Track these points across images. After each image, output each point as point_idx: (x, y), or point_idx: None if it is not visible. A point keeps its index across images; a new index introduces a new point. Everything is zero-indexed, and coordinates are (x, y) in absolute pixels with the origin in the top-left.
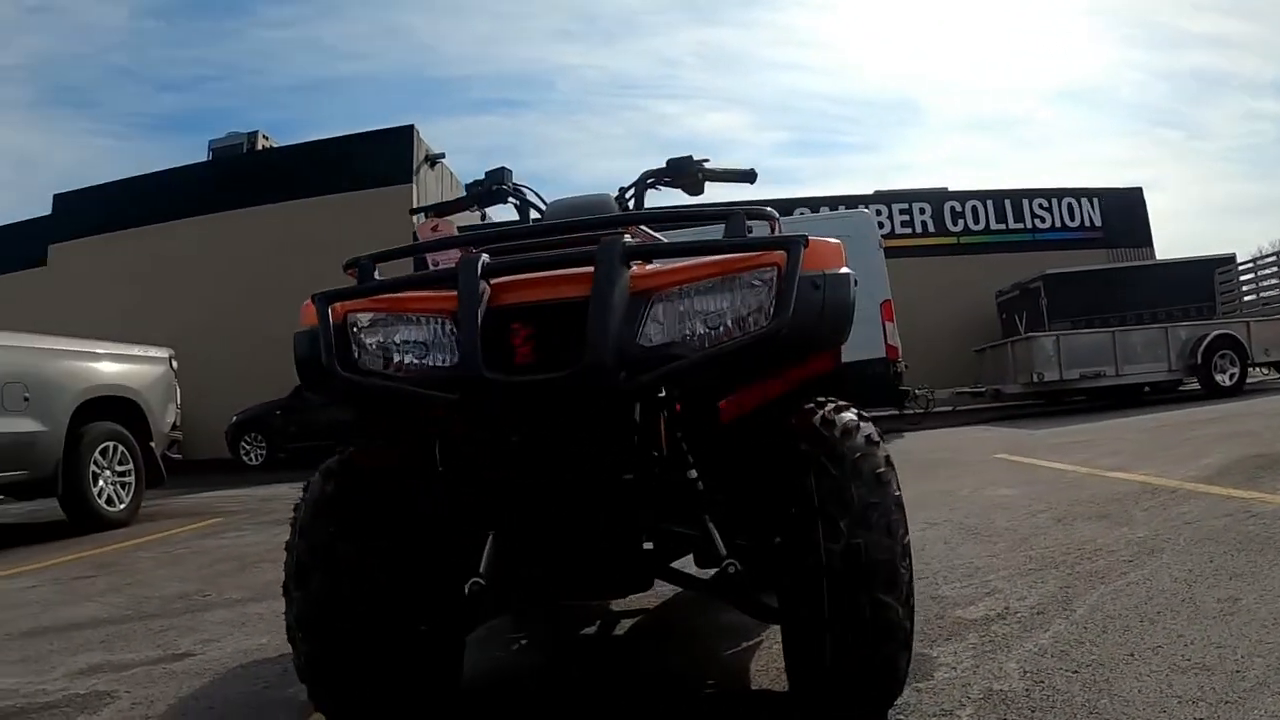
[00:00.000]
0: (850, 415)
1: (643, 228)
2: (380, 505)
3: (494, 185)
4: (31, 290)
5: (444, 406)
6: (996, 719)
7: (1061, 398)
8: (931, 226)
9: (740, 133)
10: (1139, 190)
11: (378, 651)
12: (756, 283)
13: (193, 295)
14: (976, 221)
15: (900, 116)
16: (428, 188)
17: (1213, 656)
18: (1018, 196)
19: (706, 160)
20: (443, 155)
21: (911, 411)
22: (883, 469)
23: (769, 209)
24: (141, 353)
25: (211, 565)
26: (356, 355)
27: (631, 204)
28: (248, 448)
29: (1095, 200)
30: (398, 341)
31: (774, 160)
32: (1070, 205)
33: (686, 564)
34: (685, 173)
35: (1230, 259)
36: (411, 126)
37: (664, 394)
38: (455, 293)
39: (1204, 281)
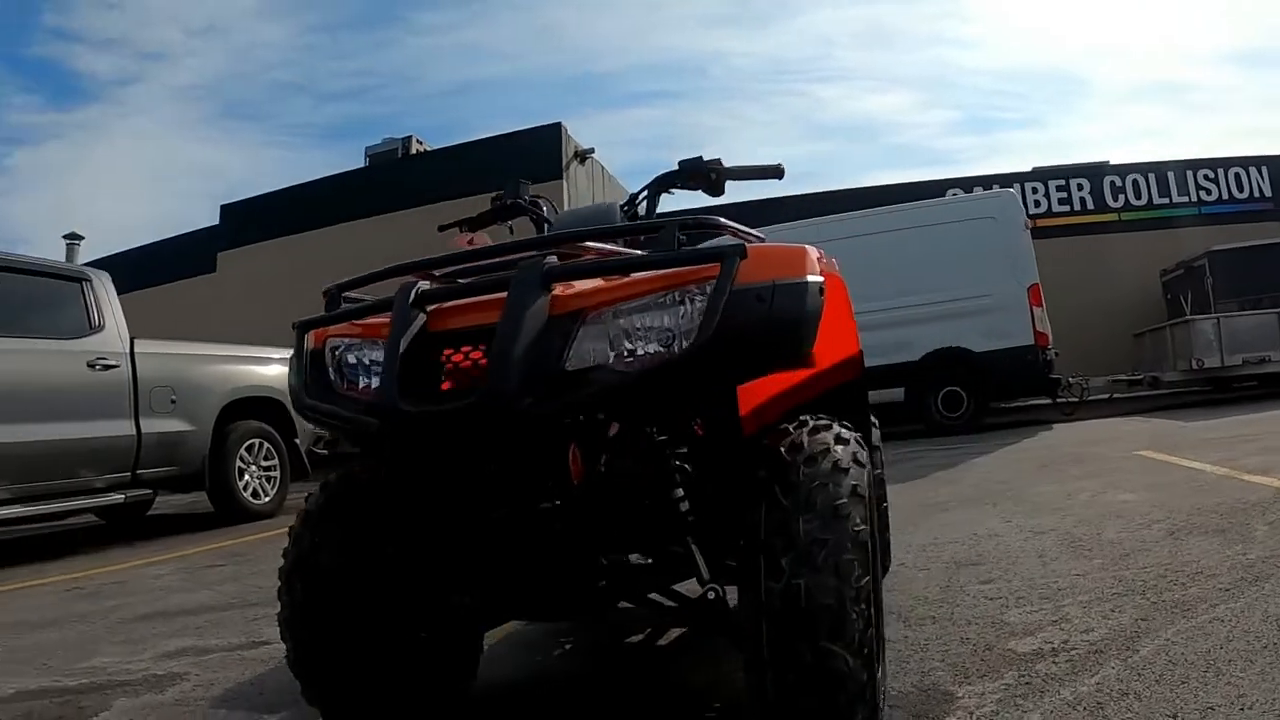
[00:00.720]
0: (825, 437)
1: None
2: (367, 518)
3: (509, 199)
4: (202, 295)
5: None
6: None
7: (1229, 385)
8: (1090, 203)
9: (903, 114)
10: None
11: (362, 655)
12: (691, 299)
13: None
14: (1138, 196)
15: (1063, 89)
16: (578, 184)
17: None
18: (1181, 168)
19: (718, 159)
20: (592, 150)
21: (1064, 401)
22: (842, 501)
23: (715, 217)
24: (286, 355)
25: None
26: (333, 379)
27: (643, 210)
28: None
29: (1264, 168)
30: (367, 363)
31: (942, 141)
32: (1238, 175)
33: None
34: (697, 174)
35: None
36: (559, 124)
37: (597, 418)
38: None
39: None
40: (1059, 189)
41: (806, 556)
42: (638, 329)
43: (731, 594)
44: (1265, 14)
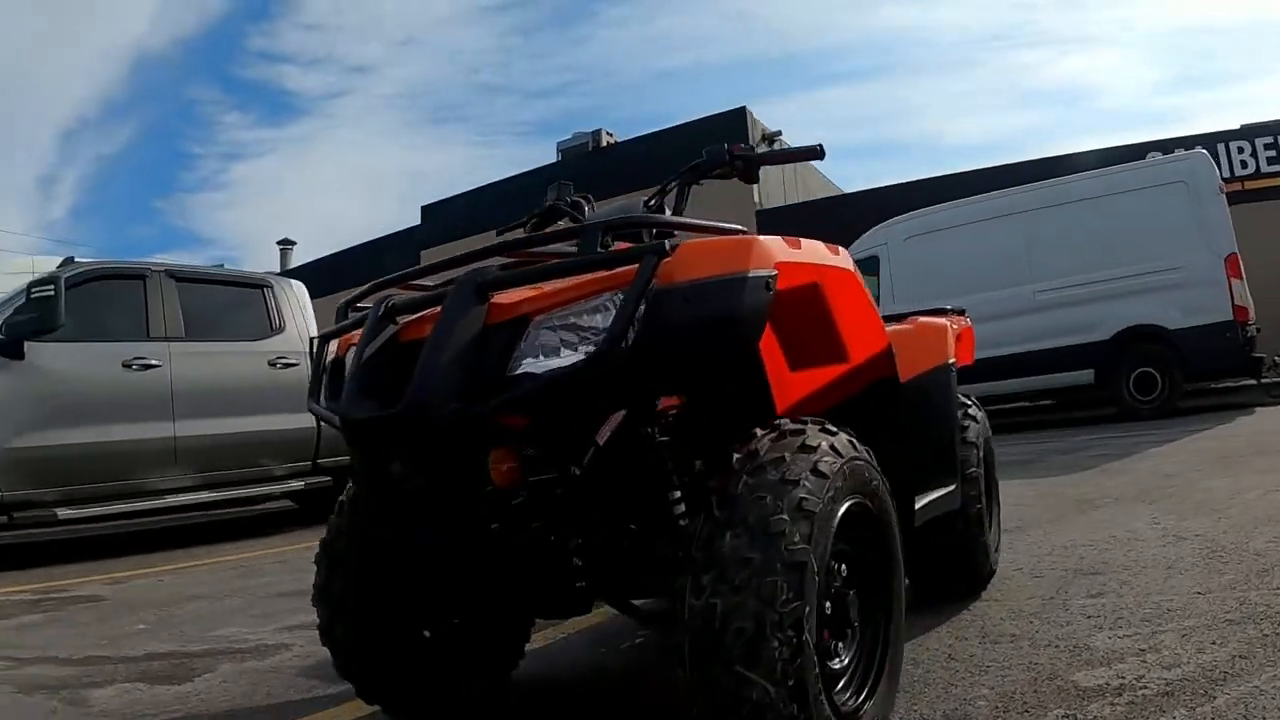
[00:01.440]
0: (788, 443)
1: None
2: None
3: (550, 201)
4: None
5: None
6: None
7: None
8: None
9: (1108, 75)
10: None
11: (385, 638)
12: (614, 302)
13: None
14: None
15: None
16: (765, 168)
17: None
18: None
19: (743, 145)
20: (779, 133)
21: (1271, 382)
22: (778, 517)
23: (651, 215)
24: None
25: None
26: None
27: (671, 200)
28: None
29: None
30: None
31: (1154, 100)
32: None
33: None
34: (724, 162)
35: None
36: (743, 108)
37: (527, 424)
38: None
39: None
40: (1267, 147)
41: (725, 575)
42: (583, 333)
43: None
44: None
